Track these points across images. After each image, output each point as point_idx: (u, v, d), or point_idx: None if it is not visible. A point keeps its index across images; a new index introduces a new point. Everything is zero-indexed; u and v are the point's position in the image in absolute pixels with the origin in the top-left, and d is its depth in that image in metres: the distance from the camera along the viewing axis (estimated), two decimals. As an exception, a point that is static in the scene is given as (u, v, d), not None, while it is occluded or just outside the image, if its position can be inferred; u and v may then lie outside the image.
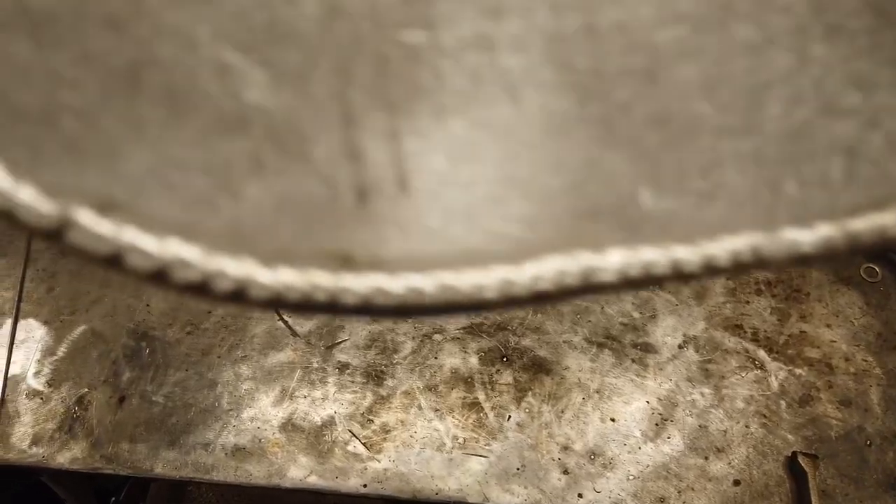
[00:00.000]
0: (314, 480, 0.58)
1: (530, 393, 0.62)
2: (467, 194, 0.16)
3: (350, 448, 0.59)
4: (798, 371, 0.64)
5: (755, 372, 0.64)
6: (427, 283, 0.15)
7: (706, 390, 0.63)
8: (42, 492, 0.71)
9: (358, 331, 0.65)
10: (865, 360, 0.65)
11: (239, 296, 0.15)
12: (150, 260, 0.15)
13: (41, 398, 0.61)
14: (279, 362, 0.63)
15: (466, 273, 0.15)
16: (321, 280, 0.15)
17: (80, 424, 0.60)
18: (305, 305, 0.15)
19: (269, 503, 1.46)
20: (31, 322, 0.65)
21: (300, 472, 0.58)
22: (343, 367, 0.63)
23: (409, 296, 0.15)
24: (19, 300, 0.66)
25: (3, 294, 0.66)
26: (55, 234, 0.15)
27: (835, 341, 0.66)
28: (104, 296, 0.66)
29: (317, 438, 0.59)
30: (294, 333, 0.64)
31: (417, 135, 0.15)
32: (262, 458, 0.58)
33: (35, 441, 0.59)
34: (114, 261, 0.15)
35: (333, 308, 0.15)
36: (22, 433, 0.59)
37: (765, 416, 0.62)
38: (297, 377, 0.62)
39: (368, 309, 0.15)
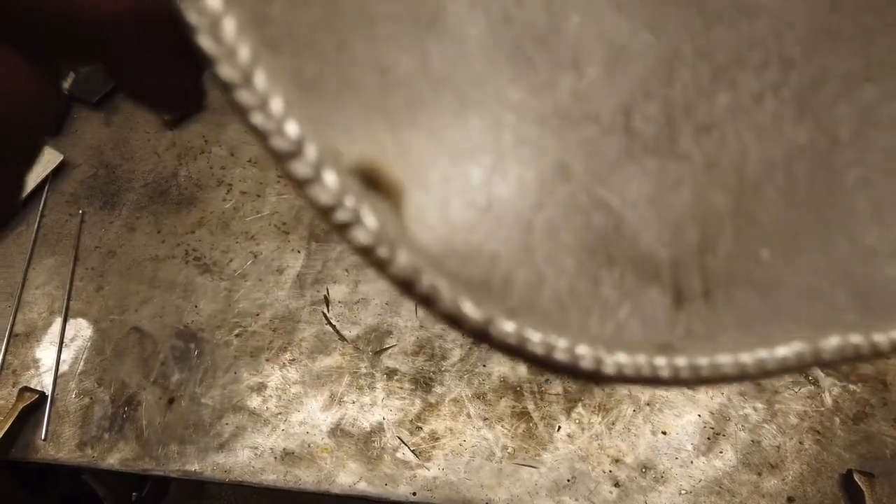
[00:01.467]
0: (364, 487, 0.57)
1: (580, 404, 0.62)
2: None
3: (399, 455, 0.59)
4: (852, 387, 0.63)
5: (808, 387, 0.63)
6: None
7: (759, 405, 0.62)
8: (84, 490, 0.72)
9: (406, 337, 0.64)
10: (921, 378, 0.64)
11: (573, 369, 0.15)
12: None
13: (90, 397, 0.61)
14: (327, 367, 0.63)
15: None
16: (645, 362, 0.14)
17: (131, 425, 0.60)
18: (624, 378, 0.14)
19: (288, 502, 1.47)
20: (81, 321, 0.65)
21: (350, 478, 0.57)
22: (391, 373, 0.62)
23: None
24: (68, 299, 0.66)
25: (52, 293, 0.66)
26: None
27: (889, 359, 0.65)
28: (153, 296, 0.66)
29: (366, 444, 0.59)
30: (342, 338, 0.64)
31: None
32: (312, 464, 0.58)
33: (85, 441, 0.59)
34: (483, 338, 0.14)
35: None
36: (72, 433, 0.60)
37: (818, 433, 0.61)
38: (345, 382, 0.62)
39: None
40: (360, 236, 0.12)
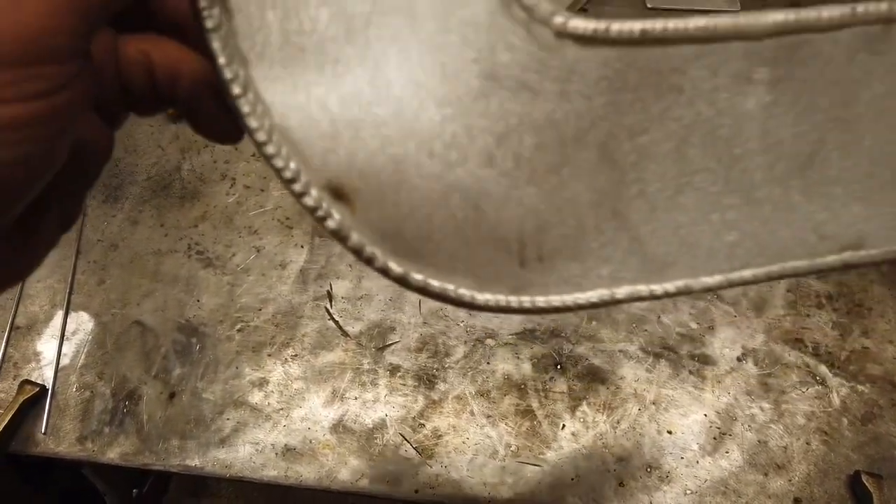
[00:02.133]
0: (366, 484, 0.57)
1: (585, 402, 0.61)
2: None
3: (402, 452, 0.58)
4: (860, 388, 0.62)
5: (816, 387, 0.62)
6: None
7: (766, 405, 0.61)
8: (84, 484, 0.71)
9: (409, 333, 0.64)
10: (930, 379, 0.63)
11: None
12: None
13: (91, 391, 0.61)
14: (330, 362, 0.62)
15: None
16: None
17: (131, 419, 0.59)
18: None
19: (288, 499, 1.46)
20: (82, 314, 0.64)
21: (351, 474, 0.57)
22: (394, 370, 0.62)
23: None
24: (70, 292, 0.65)
25: (54, 286, 0.66)
26: None
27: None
28: (155, 290, 0.65)
29: (368, 441, 0.59)
30: (345, 334, 0.64)
31: None
32: (313, 460, 0.58)
33: (85, 435, 0.59)
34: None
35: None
36: (72, 426, 0.59)
37: (826, 434, 0.60)
38: (347, 378, 0.61)
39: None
40: (330, 224, 0.21)
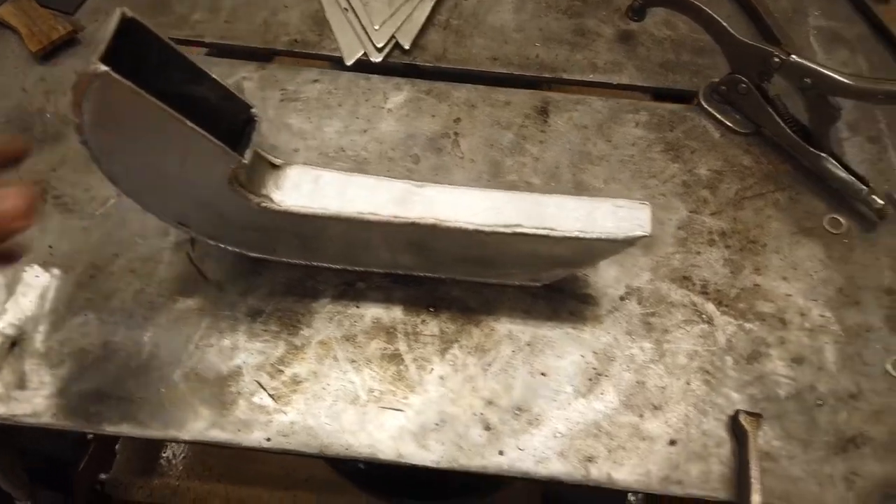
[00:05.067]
0: (215, 434, 0.53)
1: (456, 345, 0.58)
2: None
3: (256, 400, 0.55)
4: (748, 326, 0.59)
5: (702, 326, 0.59)
6: None
7: (647, 345, 0.58)
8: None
9: (276, 277, 0.60)
10: (823, 316, 0.60)
11: None
12: None
13: (-70, 343, 0.57)
14: (187, 308, 0.58)
15: None
16: None
17: (-33, 370, 0.55)
18: None
19: (246, 470, 1.44)
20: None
21: (200, 424, 0.53)
22: (255, 315, 0.58)
23: None
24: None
25: None
26: None
27: (790, 295, 0.61)
28: (4, 236, 0.61)
29: (221, 389, 0.55)
30: (205, 278, 0.60)
31: None
32: (162, 409, 0.54)
33: (-79, 387, 0.55)
34: None
35: None
36: None
37: (708, 373, 0.57)
38: (204, 325, 0.58)
39: None
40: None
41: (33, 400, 0.54)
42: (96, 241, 0.62)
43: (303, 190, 0.51)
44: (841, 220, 0.64)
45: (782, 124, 0.64)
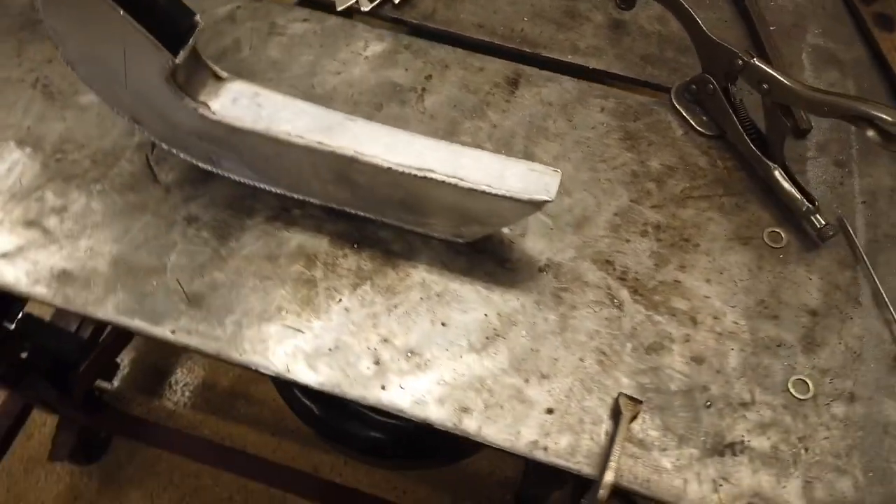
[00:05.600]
0: (126, 319, 0.57)
1: (369, 282, 0.60)
2: None
3: (172, 296, 0.58)
4: (658, 318, 0.59)
5: (611, 310, 0.60)
6: None
7: (551, 316, 0.59)
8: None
9: (221, 189, 0.64)
10: (736, 323, 0.59)
11: None
12: None
13: None
14: (132, 203, 0.62)
15: None
16: None
17: (-72, 221, 0.61)
18: None
19: (240, 410, 1.49)
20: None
21: (116, 307, 0.57)
22: (192, 220, 0.62)
23: None
24: (-85, 102, 0.67)
25: None
26: None
27: (709, 297, 0.60)
28: (-10, 111, 0.67)
29: (144, 280, 0.59)
30: (156, 180, 0.64)
31: None
32: (86, 287, 0.58)
33: None
34: None
35: None
36: None
37: (604, 354, 0.57)
38: (144, 221, 0.62)
39: None
40: None
41: (-24, 256, 0.59)
42: (69, 130, 0.66)
43: (240, 104, 0.54)
44: (782, 234, 0.63)
45: (740, 129, 0.63)
